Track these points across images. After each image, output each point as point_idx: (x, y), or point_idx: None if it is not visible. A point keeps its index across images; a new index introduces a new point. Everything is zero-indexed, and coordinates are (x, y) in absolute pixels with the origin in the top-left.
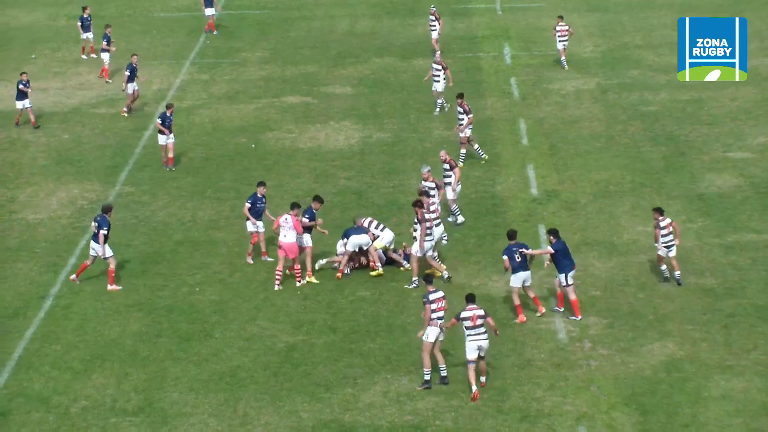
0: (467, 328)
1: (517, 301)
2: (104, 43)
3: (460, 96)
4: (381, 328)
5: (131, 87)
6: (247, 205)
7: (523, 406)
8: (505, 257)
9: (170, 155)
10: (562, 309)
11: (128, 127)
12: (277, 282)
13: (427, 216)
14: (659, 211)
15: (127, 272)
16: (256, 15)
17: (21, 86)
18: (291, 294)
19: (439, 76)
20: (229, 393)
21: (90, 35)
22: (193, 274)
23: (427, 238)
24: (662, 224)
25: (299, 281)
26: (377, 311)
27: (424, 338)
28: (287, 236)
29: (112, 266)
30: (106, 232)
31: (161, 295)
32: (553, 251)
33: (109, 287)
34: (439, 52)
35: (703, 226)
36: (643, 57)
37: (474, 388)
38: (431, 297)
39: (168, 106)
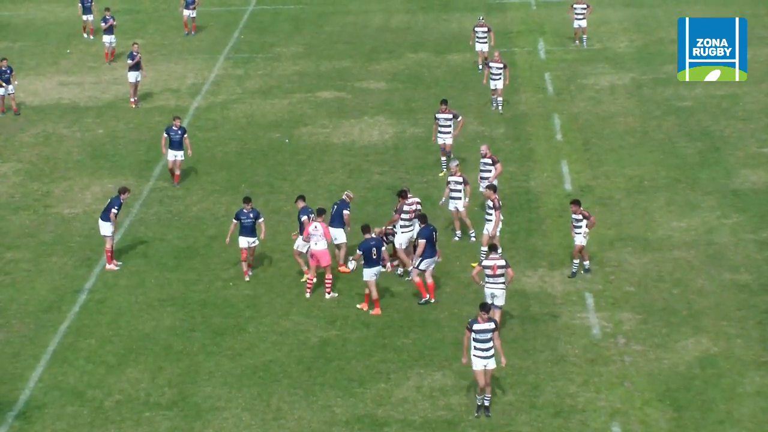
0: (487, 276)
1: (375, 295)
2: (102, 24)
3: (444, 102)
4: (414, 323)
5: (133, 76)
6: (234, 222)
7: (556, 401)
8: (360, 252)
9: (177, 172)
10: (430, 298)
11: (162, 121)
12: (308, 290)
13: (407, 209)
14: (578, 203)
15: (160, 267)
16: (291, 10)
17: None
18: (324, 289)
19: (500, 74)
20: (263, 387)
21: (90, 17)
22: (226, 269)
23: (406, 230)
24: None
25: (329, 293)
26: (410, 306)
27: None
28: (318, 244)
29: (108, 246)
30: (117, 210)
31: (195, 290)
32: (423, 240)
33: (107, 266)
34: (497, 53)
35: (738, 222)
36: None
37: None
38: (475, 326)
39: (174, 119)
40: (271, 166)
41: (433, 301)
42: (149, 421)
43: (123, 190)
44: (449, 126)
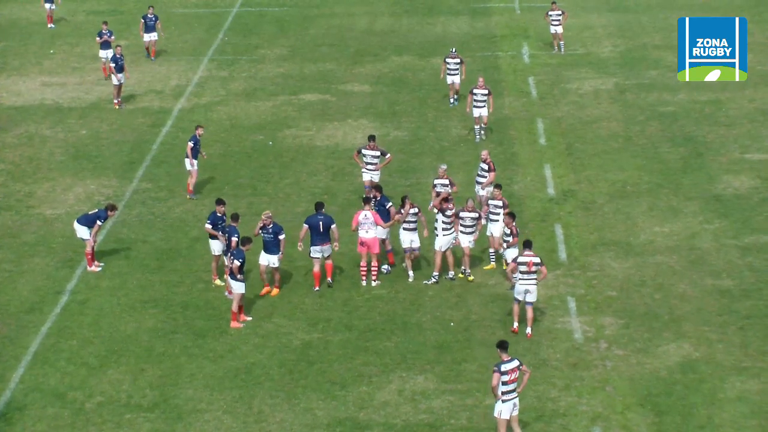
0: (521, 272)
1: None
2: (98, 39)
3: (372, 138)
4: (396, 326)
5: (117, 78)
6: (234, 239)
7: (538, 406)
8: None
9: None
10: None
11: (146, 123)
12: (363, 278)
13: (448, 213)
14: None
15: (143, 268)
16: (275, 12)
17: None
18: (307, 291)
19: (484, 102)
20: (244, 390)
21: (52, 6)
22: (209, 271)
23: (445, 233)
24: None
25: (375, 280)
26: (393, 309)
27: (496, 415)
28: (369, 232)
29: (88, 249)
30: (101, 223)
31: (177, 292)
32: (306, 226)
33: (89, 268)
34: (482, 78)
35: (720, 228)
36: (662, 57)
37: (515, 324)
38: (503, 368)
39: (197, 127)
40: (254, 168)
41: (316, 289)
42: (130, 423)
43: (111, 208)
44: (375, 163)
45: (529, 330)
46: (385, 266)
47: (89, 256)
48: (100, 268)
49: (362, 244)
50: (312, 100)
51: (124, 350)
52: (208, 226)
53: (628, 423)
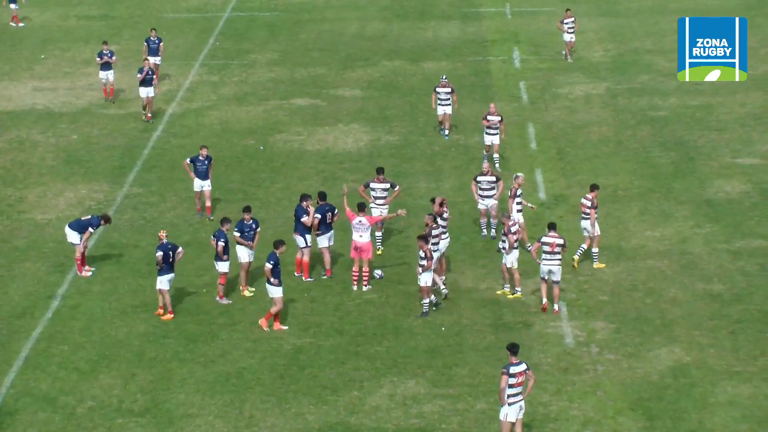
0: (545, 252)
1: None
2: (97, 60)
3: (380, 171)
4: (388, 331)
5: (144, 92)
6: (221, 243)
7: (529, 410)
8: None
9: (207, 203)
10: (306, 278)
11: (137, 128)
12: (354, 282)
13: (445, 217)
14: (426, 239)
15: (134, 273)
16: (266, 17)
17: None
18: (298, 296)
19: (497, 129)
20: (235, 394)
21: (15, 6)
22: (200, 276)
23: (443, 239)
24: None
25: (366, 285)
26: (384, 314)
27: (501, 418)
28: (363, 236)
29: (78, 254)
30: (93, 231)
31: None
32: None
33: (80, 273)
34: (493, 105)
35: (711, 232)
36: (653, 62)
37: (544, 300)
38: (512, 370)
39: (201, 147)
40: (245, 173)
41: (296, 275)
42: (121, 428)
43: (106, 219)
44: (385, 197)
45: (556, 306)
46: (378, 271)
47: (79, 262)
48: (91, 273)
49: (356, 248)
50: (303, 105)
51: (115, 355)
52: (237, 235)
53: (619, 427)
